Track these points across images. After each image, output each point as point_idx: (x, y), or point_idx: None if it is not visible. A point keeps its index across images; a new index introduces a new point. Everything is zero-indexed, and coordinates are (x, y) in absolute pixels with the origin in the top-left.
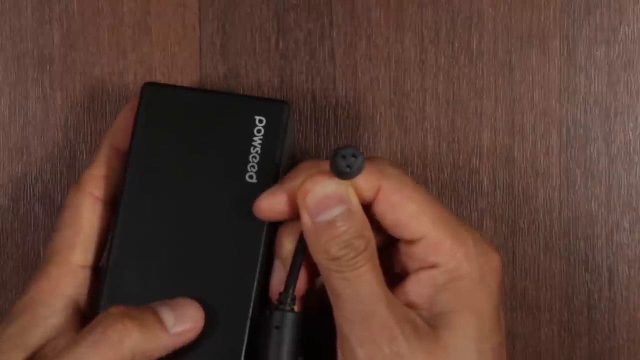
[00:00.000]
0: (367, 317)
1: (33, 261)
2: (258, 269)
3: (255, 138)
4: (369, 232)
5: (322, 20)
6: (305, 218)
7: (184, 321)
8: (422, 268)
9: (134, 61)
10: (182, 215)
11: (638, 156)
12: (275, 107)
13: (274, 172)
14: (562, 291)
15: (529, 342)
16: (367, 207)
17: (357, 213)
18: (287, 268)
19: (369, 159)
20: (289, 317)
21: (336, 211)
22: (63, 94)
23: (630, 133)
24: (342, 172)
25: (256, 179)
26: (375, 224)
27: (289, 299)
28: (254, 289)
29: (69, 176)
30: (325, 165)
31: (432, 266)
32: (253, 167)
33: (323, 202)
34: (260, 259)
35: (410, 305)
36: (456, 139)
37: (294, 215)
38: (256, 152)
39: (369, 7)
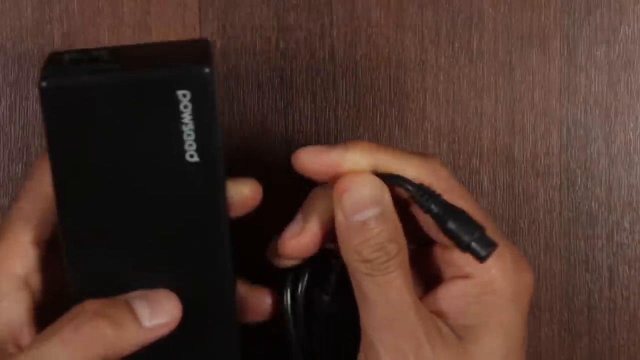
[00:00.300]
0: (394, 324)
1: None
2: (227, 249)
3: (183, 116)
4: (402, 238)
5: (322, 20)
6: (340, 217)
7: (159, 316)
8: (455, 277)
9: None
10: (130, 213)
11: (638, 156)
12: (196, 75)
13: (214, 145)
14: (563, 291)
15: (530, 342)
16: (411, 204)
17: (391, 217)
18: (307, 222)
19: (421, 156)
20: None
21: (370, 212)
22: None
23: (631, 133)
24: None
25: (198, 157)
26: (413, 226)
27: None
28: (228, 269)
29: None
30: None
31: (466, 276)
32: (191, 145)
33: (359, 203)
34: (226, 238)
35: (439, 314)
36: (456, 139)
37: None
38: (189, 129)
39: (369, 7)
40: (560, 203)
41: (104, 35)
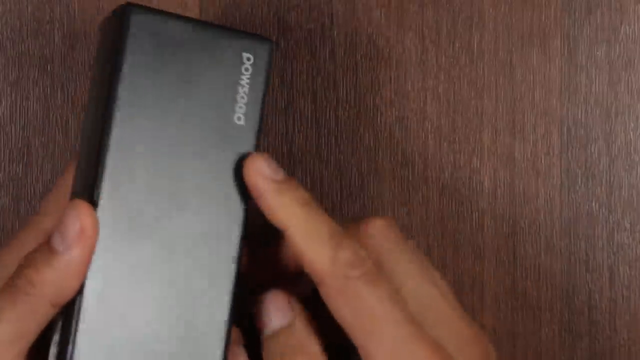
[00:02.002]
0: None
1: None
2: (242, 219)
3: (242, 77)
4: (314, 347)
5: (322, 20)
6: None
7: (69, 233)
8: None
9: None
10: (168, 156)
11: (639, 156)
12: (262, 44)
13: (260, 115)
14: (563, 291)
15: (530, 342)
16: None
17: (297, 330)
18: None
19: (365, 223)
20: None
21: (275, 324)
22: (63, 94)
23: (631, 133)
24: None
25: (244, 121)
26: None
27: None
28: (238, 247)
29: None
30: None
31: None
32: (241, 108)
33: (266, 314)
34: (243, 213)
35: None
36: (457, 139)
37: None
38: (244, 92)
39: (369, 6)
40: (561, 203)
41: None
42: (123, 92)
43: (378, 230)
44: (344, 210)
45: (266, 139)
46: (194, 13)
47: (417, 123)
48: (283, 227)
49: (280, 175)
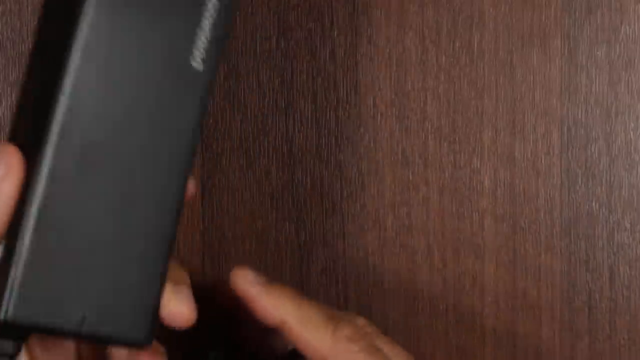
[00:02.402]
0: None
1: None
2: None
3: (204, 20)
4: None
5: (322, 20)
6: None
7: None
8: None
9: None
10: (122, 94)
11: (639, 156)
12: None
13: (218, 59)
14: (563, 291)
15: (530, 342)
16: None
17: None
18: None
19: (333, 323)
20: None
21: None
22: None
23: (632, 133)
24: None
25: (202, 65)
26: None
27: None
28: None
29: None
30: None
31: None
32: (199, 53)
33: None
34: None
35: None
36: (457, 138)
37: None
38: (204, 36)
39: (369, 6)
40: (561, 203)
41: None
42: (83, 31)
43: (362, 322)
44: (344, 210)
45: (266, 139)
46: None
47: (417, 123)
48: (280, 323)
49: (263, 279)
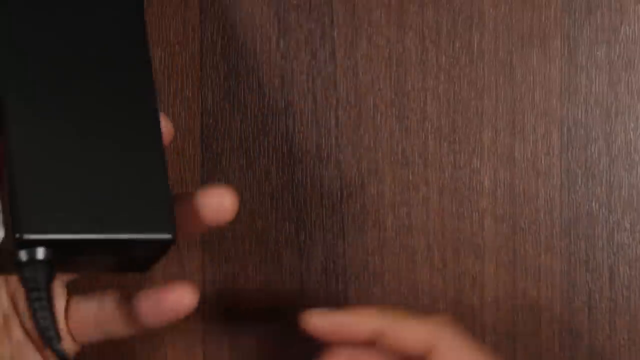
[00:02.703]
0: None
1: None
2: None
3: None
4: None
5: (323, 20)
6: None
7: None
8: None
9: None
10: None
11: (639, 156)
12: None
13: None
14: (563, 291)
15: (530, 342)
16: None
17: None
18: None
19: (430, 317)
20: None
21: None
22: None
23: (631, 133)
24: None
25: None
26: None
27: None
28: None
29: None
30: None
31: None
32: None
33: None
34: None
35: None
36: (457, 139)
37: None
38: None
39: (369, 7)
40: (561, 203)
41: None
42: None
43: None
44: (344, 210)
45: (266, 139)
46: (194, 13)
47: (417, 123)
48: (375, 332)
49: (325, 310)
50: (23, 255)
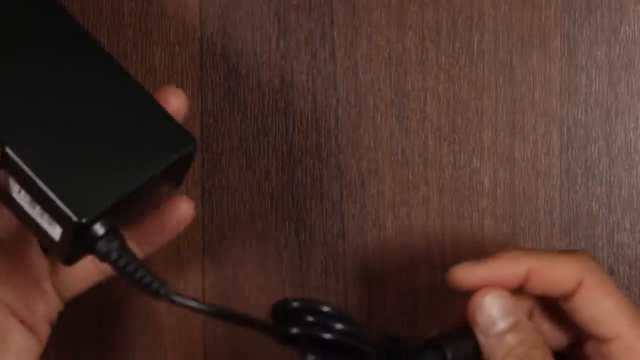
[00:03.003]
0: None
1: None
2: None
3: None
4: (543, 345)
5: (322, 20)
6: (479, 335)
7: None
8: None
9: (135, 61)
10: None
11: (639, 156)
12: None
13: None
14: None
15: None
16: (565, 300)
17: (527, 326)
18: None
19: (571, 254)
20: None
21: (504, 324)
22: None
23: (631, 133)
24: None
25: None
26: (565, 324)
27: None
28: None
29: None
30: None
31: None
32: None
33: (491, 317)
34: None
35: None
36: (457, 139)
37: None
38: None
39: (369, 7)
40: (561, 203)
41: (104, 35)
42: None
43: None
44: (344, 210)
45: (266, 139)
46: (194, 13)
47: (417, 123)
48: (525, 273)
49: (471, 262)
50: (93, 234)
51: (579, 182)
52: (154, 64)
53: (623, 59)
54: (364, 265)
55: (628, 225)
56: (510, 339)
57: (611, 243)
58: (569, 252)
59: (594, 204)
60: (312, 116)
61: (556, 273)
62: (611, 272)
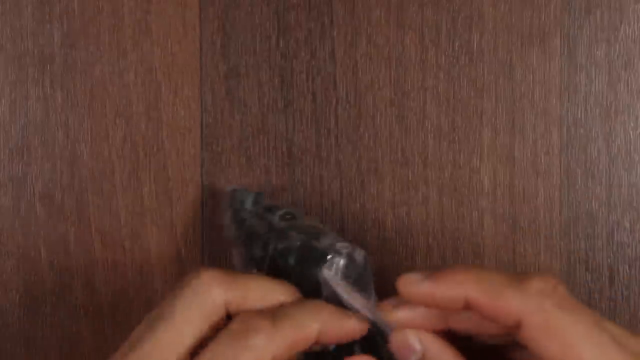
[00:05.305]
0: None
1: (34, 261)
2: None
3: None
4: None
5: (322, 20)
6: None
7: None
8: None
9: (135, 61)
10: None
11: (638, 155)
12: None
13: None
14: None
15: None
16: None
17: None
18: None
19: (525, 283)
20: None
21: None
22: (63, 94)
23: (631, 132)
24: None
25: None
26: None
27: None
28: None
29: (70, 176)
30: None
31: None
32: None
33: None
34: None
35: None
36: (457, 138)
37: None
38: None
39: (369, 6)
40: (561, 202)
41: (104, 34)
42: None
43: (552, 278)
44: (344, 210)
45: (266, 138)
46: (193, 12)
47: (417, 122)
48: (464, 301)
49: (425, 272)
50: None
51: (579, 181)
52: (155, 64)
53: (623, 58)
54: None
55: (628, 225)
56: None
57: (611, 243)
58: (523, 282)
59: (593, 203)
60: (312, 116)
61: (495, 310)
62: (611, 272)
